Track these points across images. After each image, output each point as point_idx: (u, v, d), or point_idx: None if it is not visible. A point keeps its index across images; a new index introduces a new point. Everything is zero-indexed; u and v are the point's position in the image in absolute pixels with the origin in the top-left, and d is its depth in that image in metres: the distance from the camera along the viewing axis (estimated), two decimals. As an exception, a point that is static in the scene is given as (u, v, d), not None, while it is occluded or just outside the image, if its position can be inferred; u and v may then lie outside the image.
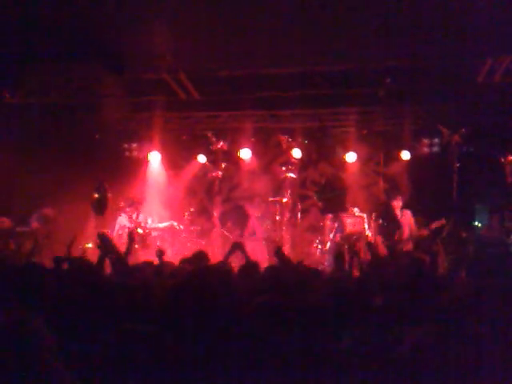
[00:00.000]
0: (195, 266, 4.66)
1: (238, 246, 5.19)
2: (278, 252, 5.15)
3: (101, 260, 4.66)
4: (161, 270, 4.71)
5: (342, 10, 5.92)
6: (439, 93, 8.02)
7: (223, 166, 11.05)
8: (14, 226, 9.67)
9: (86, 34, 6.64)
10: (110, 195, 9.52)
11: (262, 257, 9.03)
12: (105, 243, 4.75)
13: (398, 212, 8.24)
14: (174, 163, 11.31)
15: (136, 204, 9.78)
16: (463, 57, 6.83)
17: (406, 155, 9.80)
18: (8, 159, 9.60)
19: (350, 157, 10.07)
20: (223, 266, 4.83)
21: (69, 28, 6.49)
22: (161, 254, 5.19)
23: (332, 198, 9.20)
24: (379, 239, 8.24)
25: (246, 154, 10.66)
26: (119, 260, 4.79)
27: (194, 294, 3.36)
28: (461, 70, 7.35)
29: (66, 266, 4.65)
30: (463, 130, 8.21)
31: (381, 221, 7.77)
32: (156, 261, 5.45)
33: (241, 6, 5.94)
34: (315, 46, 6.90)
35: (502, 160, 8.03)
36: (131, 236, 5.38)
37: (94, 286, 3.42)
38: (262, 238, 9.44)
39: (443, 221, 7.90)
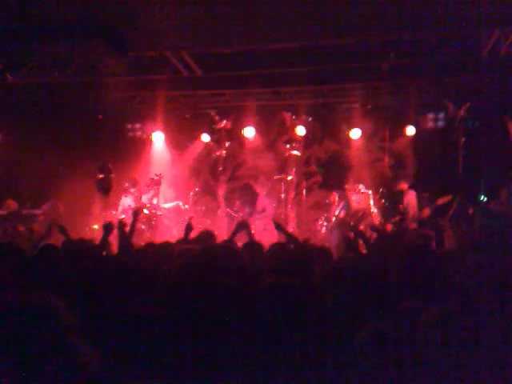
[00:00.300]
0: (202, 245, 4.65)
1: (243, 225, 5.14)
2: (278, 227, 5.13)
3: (103, 241, 4.68)
4: (166, 250, 4.69)
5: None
6: (444, 66, 7.92)
7: (227, 144, 11.01)
8: (20, 209, 9.73)
9: (87, 13, 6.57)
10: (113, 175, 9.51)
11: (272, 235, 9.04)
12: (107, 230, 4.76)
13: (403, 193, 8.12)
14: (177, 143, 11.27)
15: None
16: (468, 28, 6.70)
17: (410, 130, 9.72)
18: (11, 140, 9.59)
19: (355, 133, 10.01)
20: (229, 244, 4.81)
21: (70, 6, 6.42)
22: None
23: (334, 174, 9.16)
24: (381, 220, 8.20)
25: (249, 132, 10.61)
26: (124, 240, 4.81)
27: (202, 273, 3.37)
28: (466, 43, 7.23)
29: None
30: (468, 104, 8.10)
31: (383, 201, 7.73)
32: (163, 240, 5.45)
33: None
34: (318, 21, 6.79)
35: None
36: (136, 214, 5.36)
37: (93, 268, 3.42)
38: (272, 216, 9.41)
39: (449, 196, 7.85)
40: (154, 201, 10.11)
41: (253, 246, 4.67)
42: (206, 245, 4.59)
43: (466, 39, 7.25)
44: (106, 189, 9.24)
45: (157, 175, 9.99)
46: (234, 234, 5.12)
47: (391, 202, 7.71)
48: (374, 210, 8.65)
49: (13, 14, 6.43)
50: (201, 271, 3.32)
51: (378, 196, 8.23)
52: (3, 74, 8.38)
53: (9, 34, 6.50)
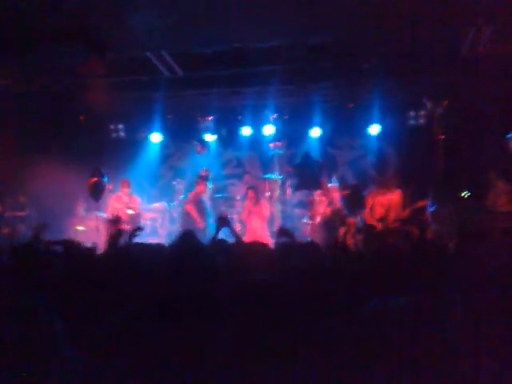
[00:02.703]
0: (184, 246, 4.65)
1: (224, 221, 5.13)
2: (282, 232, 5.11)
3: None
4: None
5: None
6: (424, 65, 8.00)
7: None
8: (4, 211, 9.68)
9: (66, 15, 6.53)
10: (105, 180, 9.47)
11: (263, 234, 9.12)
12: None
13: (388, 192, 8.17)
14: (163, 143, 11.30)
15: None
16: (446, 26, 6.78)
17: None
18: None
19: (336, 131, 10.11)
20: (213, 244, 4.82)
21: (49, 9, 6.37)
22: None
23: (307, 175, 9.17)
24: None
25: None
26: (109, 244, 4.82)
27: (185, 274, 3.40)
28: (444, 42, 7.31)
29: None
30: (445, 102, 8.20)
31: (346, 192, 7.80)
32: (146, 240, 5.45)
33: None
34: (301, 19, 6.82)
35: None
36: (115, 220, 5.34)
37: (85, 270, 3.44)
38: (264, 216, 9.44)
39: (426, 201, 7.93)
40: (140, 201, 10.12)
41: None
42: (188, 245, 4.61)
43: (444, 38, 7.33)
44: (97, 193, 9.22)
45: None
46: (217, 230, 5.10)
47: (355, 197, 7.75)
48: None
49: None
50: (182, 272, 3.36)
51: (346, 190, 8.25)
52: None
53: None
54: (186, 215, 9.69)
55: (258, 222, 9.37)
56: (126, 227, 9.33)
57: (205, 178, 9.99)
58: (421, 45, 7.45)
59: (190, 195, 9.87)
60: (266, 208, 9.48)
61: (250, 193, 9.45)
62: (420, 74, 8.48)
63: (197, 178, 10.02)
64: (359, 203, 7.68)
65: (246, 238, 9.23)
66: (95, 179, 9.02)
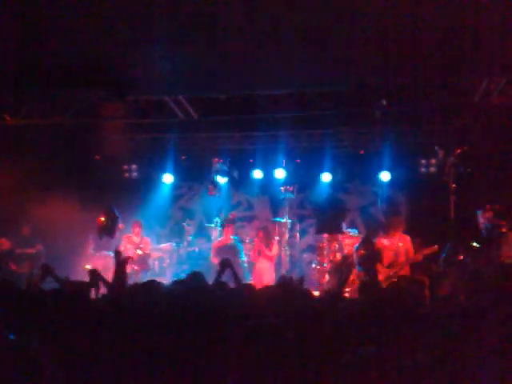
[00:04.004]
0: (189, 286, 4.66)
1: (227, 264, 5.15)
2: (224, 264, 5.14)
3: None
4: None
5: (337, 30, 5.99)
6: (436, 113, 8.10)
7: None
8: (14, 248, 9.72)
9: (87, 58, 6.72)
10: (117, 219, 9.51)
11: (270, 276, 9.08)
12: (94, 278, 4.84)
13: (397, 237, 8.13)
14: (174, 184, 11.39)
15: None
16: (459, 77, 6.90)
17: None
18: (9, 180, 9.65)
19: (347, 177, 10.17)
20: (218, 286, 4.83)
21: (70, 51, 6.57)
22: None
23: (329, 217, 9.20)
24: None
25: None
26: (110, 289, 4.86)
27: (187, 315, 3.41)
28: (457, 91, 7.42)
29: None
30: (458, 150, 8.26)
31: (362, 251, 7.78)
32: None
33: (238, 31, 6.03)
34: (312, 68, 6.98)
35: None
36: (121, 263, 5.35)
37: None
38: (272, 257, 9.43)
39: (435, 247, 7.85)
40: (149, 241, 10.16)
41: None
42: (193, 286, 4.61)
43: (457, 87, 7.44)
44: (110, 231, 9.24)
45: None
46: (220, 274, 5.13)
47: (368, 249, 7.71)
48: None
49: (13, 58, 6.59)
50: (185, 312, 3.38)
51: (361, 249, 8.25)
52: (2, 115, 8.53)
53: (9, 77, 6.64)
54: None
55: (265, 263, 9.34)
56: (134, 267, 9.39)
57: (232, 222, 10.04)
58: (434, 93, 7.57)
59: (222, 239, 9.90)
60: (275, 250, 9.47)
61: (261, 233, 9.46)
62: (432, 123, 8.57)
63: (224, 221, 10.04)
64: (376, 260, 7.62)
65: (253, 278, 9.23)
66: (105, 217, 9.06)
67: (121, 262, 5.19)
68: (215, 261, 9.20)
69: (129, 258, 5.93)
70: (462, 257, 7.76)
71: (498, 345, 2.94)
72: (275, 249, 9.51)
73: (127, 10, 5.51)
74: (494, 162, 8.78)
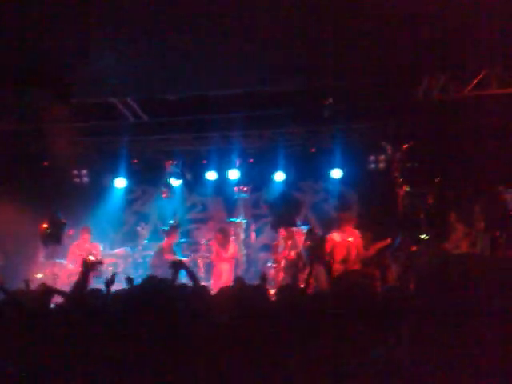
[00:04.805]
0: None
1: (179, 265, 5.12)
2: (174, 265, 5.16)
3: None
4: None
5: (286, 31, 6.06)
6: (382, 110, 8.30)
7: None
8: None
9: (32, 61, 6.56)
10: (65, 224, 9.32)
11: (228, 277, 9.12)
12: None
13: (347, 232, 8.29)
14: (127, 188, 11.24)
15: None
16: (402, 74, 7.10)
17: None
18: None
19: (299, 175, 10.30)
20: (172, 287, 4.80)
21: (15, 55, 6.40)
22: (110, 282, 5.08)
23: (283, 213, 9.30)
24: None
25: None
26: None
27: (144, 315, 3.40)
28: (401, 88, 7.63)
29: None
30: (405, 146, 8.50)
31: (308, 242, 7.94)
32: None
33: (185, 32, 6.01)
34: (260, 69, 7.04)
35: None
36: (86, 266, 5.25)
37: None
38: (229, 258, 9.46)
39: (388, 240, 8.08)
40: (101, 247, 10.01)
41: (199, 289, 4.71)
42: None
43: (400, 85, 7.65)
44: (56, 238, 9.03)
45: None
46: (174, 275, 5.10)
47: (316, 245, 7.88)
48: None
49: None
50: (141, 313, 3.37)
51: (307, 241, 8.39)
52: None
53: None
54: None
55: (225, 265, 9.39)
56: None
57: (177, 227, 9.98)
58: (379, 92, 7.75)
59: (165, 245, 9.80)
60: (231, 250, 9.53)
61: (219, 235, 9.48)
62: (379, 119, 8.78)
63: (169, 228, 9.98)
64: (322, 253, 7.78)
65: (213, 280, 9.25)
66: (49, 224, 8.85)
67: (86, 270, 5.11)
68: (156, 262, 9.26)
69: (98, 262, 5.83)
70: (412, 248, 8.00)
71: (445, 338, 3.03)
72: (232, 249, 9.57)
73: (73, 8, 5.41)
74: (440, 156, 9.06)
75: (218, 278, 9.26)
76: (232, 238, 10.11)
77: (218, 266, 9.44)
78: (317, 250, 7.46)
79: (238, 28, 6.01)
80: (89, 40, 6.22)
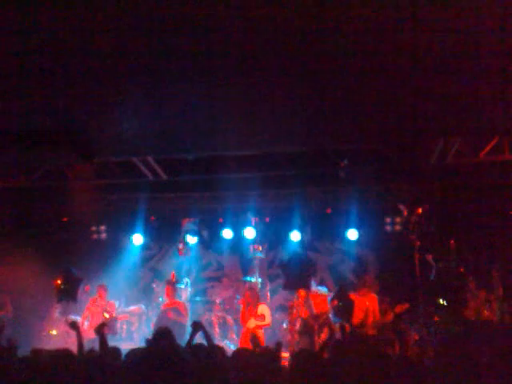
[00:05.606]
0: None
1: (199, 326, 5.13)
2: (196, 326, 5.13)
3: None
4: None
5: (298, 94, 6.22)
6: (398, 172, 8.35)
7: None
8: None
9: (54, 119, 6.80)
10: (80, 280, 9.32)
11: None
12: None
13: (366, 297, 8.13)
14: (144, 244, 11.31)
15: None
16: (415, 138, 7.19)
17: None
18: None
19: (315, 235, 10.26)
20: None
21: (38, 113, 6.64)
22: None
23: (296, 274, 9.19)
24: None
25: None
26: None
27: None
28: (415, 151, 7.71)
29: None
30: (419, 209, 8.49)
31: (336, 302, 7.74)
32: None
33: (203, 93, 6.20)
34: (277, 130, 7.19)
35: None
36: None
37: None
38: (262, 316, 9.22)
39: (407, 304, 7.90)
40: (117, 304, 9.96)
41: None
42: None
43: (415, 148, 7.73)
44: (70, 294, 9.01)
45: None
46: (192, 336, 5.09)
47: (343, 302, 7.70)
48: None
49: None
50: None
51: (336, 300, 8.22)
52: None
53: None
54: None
55: (254, 324, 9.10)
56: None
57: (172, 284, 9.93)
58: (394, 155, 7.83)
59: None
60: (263, 310, 9.18)
61: (248, 294, 9.27)
62: (395, 182, 8.81)
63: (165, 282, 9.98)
64: (351, 311, 7.61)
65: (242, 340, 8.98)
66: (62, 280, 8.86)
67: (96, 330, 5.14)
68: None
69: (103, 324, 5.82)
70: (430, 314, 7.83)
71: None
72: (262, 309, 9.16)
73: (94, 73, 5.64)
74: (455, 219, 9.00)
75: (247, 337, 8.56)
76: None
77: (248, 325, 9.03)
78: (346, 311, 7.28)
79: (253, 92, 6.20)
80: (112, 102, 6.46)
